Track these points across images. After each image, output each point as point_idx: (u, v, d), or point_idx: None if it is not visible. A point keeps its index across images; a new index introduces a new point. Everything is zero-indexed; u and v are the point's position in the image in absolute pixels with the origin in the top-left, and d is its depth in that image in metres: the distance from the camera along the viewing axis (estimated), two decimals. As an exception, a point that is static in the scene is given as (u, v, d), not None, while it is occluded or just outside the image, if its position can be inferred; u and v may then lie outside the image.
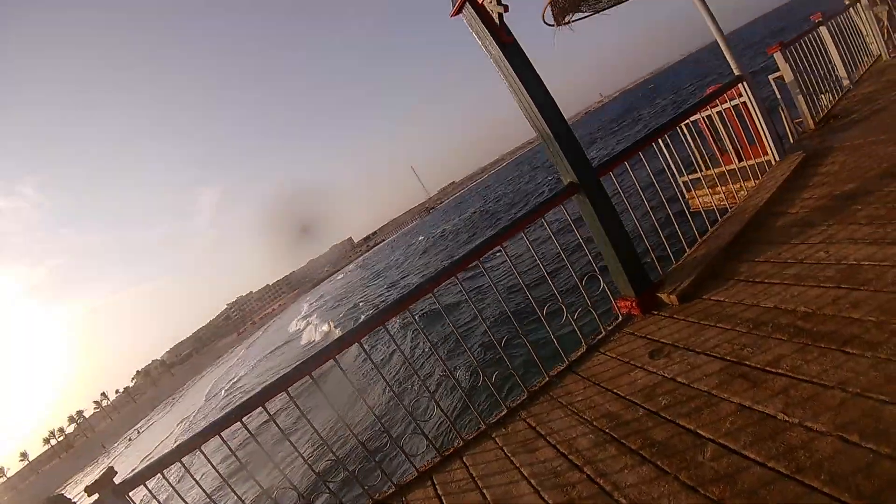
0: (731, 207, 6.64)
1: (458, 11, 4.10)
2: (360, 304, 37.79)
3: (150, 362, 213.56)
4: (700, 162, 8.01)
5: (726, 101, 6.81)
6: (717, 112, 6.92)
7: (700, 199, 7.55)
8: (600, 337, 4.00)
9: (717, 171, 7.09)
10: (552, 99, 4.09)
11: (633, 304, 4.14)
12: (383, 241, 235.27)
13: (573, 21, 7.19)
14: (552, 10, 6.73)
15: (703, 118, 7.45)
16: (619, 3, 7.40)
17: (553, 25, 6.96)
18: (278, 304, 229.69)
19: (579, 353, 3.90)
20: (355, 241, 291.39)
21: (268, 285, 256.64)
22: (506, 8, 3.82)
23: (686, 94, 54.15)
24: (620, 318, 4.20)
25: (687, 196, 7.99)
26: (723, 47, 6.91)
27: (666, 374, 3.00)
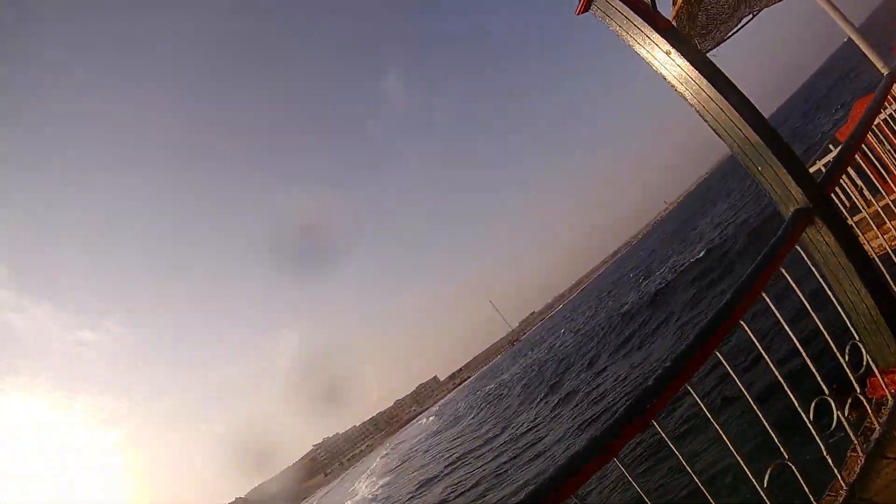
0: None
1: (586, 7, 3.46)
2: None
3: (233, 499, 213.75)
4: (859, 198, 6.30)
5: (882, 112, 6.03)
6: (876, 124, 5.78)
7: (872, 243, 6.33)
8: (876, 435, 2.83)
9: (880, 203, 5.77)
10: (742, 93, 3.20)
11: None
12: (469, 377, 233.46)
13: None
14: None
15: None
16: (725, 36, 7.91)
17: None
18: (366, 444, 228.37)
19: (857, 467, 2.72)
20: (441, 378, 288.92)
21: (354, 426, 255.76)
22: None
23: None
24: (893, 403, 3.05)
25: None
26: (859, 43, 7.21)
27: None
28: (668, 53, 3.14)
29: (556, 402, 26.63)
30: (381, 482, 49.67)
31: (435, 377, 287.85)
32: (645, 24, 3.14)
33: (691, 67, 3.10)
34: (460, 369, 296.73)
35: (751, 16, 7.98)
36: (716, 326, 2.47)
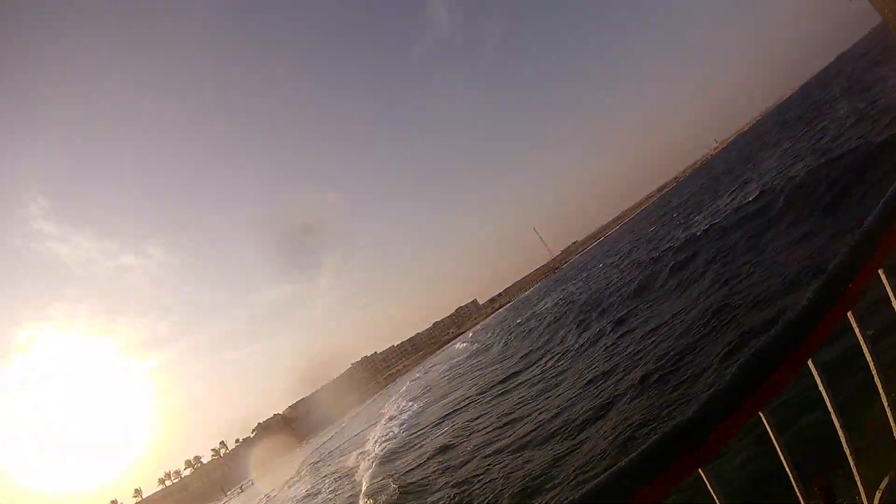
0: None
1: None
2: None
3: (271, 416, 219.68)
4: None
5: None
6: None
7: None
8: None
9: None
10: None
11: None
12: (509, 302, 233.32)
13: None
14: None
15: None
16: None
17: None
18: (402, 364, 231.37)
19: None
20: (480, 302, 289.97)
21: (393, 346, 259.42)
22: None
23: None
24: None
25: None
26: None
27: None
28: None
29: (578, 343, 24.91)
30: (406, 406, 49.32)
31: (475, 300, 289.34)
32: None
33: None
34: (500, 294, 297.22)
35: None
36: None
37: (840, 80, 61.94)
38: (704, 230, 25.22)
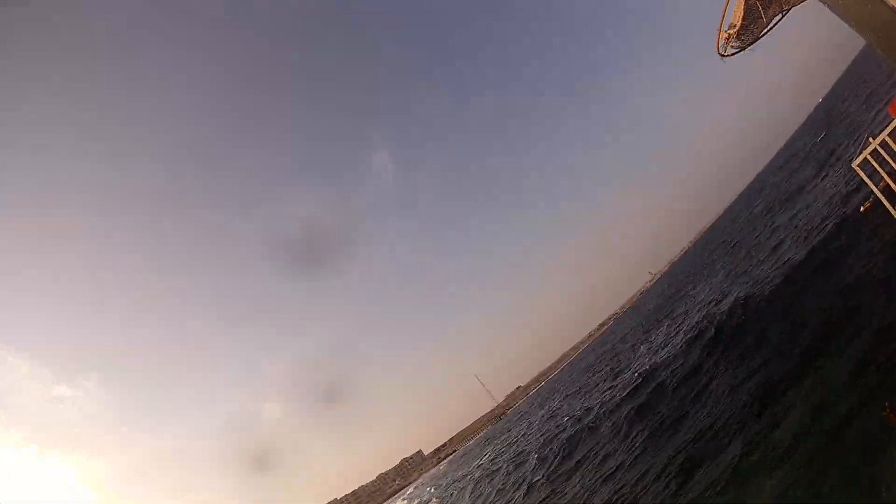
0: None
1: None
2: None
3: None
4: None
5: None
6: None
7: None
8: None
9: None
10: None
11: None
12: (454, 451, 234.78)
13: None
14: (735, 41, 7.60)
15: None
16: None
17: (742, 50, 7.91)
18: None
19: None
20: (425, 453, 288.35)
21: (336, 499, 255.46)
22: None
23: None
24: None
25: None
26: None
27: None
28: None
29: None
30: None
31: (420, 451, 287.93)
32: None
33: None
34: (444, 444, 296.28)
35: (781, 16, 8.25)
36: None
37: (764, 195, 67.64)
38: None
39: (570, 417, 41.56)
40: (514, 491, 30.84)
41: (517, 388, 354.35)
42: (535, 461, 34.13)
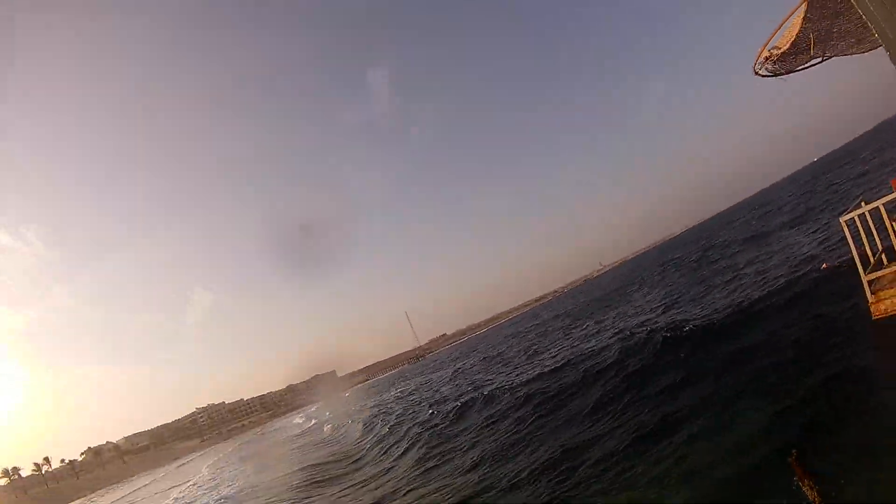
0: None
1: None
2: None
3: (104, 443, 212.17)
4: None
5: None
6: None
7: (891, 301, 6.98)
8: None
9: None
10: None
11: None
12: (368, 380, 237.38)
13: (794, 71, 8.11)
14: (771, 64, 7.60)
15: None
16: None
17: (775, 76, 7.88)
18: (249, 420, 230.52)
19: None
20: (339, 374, 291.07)
21: (242, 399, 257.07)
22: None
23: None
24: None
25: (870, 300, 7.29)
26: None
27: None
28: None
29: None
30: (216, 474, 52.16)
31: (333, 371, 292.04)
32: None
33: None
34: (360, 370, 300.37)
35: (820, 59, 8.47)
36: None
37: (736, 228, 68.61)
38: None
39: (475, 383, 41.71)
40: (400, 438, 30.74)
41: (442, 336, 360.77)
42: (427, 414, 34.19)
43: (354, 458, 31.99)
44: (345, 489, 24.49)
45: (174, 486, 59.51)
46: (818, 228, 33.66)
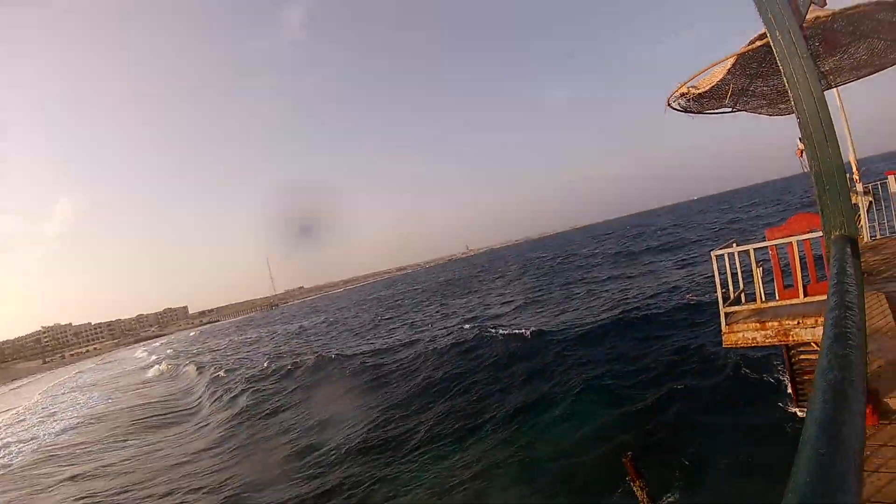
0: (784, 344, 8.78)
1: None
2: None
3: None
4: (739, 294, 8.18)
5: (806, 233, 7.43)
6: (796, 241, 7.38)
7: (741, 335, 7.56)
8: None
9: (771, 304, 7.71)
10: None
11: (869, 411, 3.71)
12: (219, 321, 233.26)
13: (706, 113, 8.55)
14: (685, 101, 7.88)
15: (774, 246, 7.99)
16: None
17: (685, 111, 8.25)
18: (93, 346, 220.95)
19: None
20: (190, 311, 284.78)
21: (89, 323, 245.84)
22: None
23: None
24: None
25: (724, 331, 7.82)
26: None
27: None
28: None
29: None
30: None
31: (185, 307, 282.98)
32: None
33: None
34: (212, 310, 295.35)
35: (731, 110, 9.08)
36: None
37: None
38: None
39: (313, 345, 43.16)
40: (229, 387, 30.94)
41: (299, 288, 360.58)
42: (259, 367, 34.51)
43: (183, 404, 32.31)
44: (168, 435, 24.44)
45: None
46: (686, 259, 36.44)
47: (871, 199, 10.94)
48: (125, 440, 25.02)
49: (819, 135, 3.58)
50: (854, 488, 1.05)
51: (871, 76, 9.14)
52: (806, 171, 9.83)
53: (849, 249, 3.20)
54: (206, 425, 24.63)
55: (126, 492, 17.36)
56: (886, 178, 11.12)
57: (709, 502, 10.08)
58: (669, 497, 10.62)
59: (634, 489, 9.76)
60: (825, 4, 3.83)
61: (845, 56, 8.15)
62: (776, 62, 7.17)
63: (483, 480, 12.72)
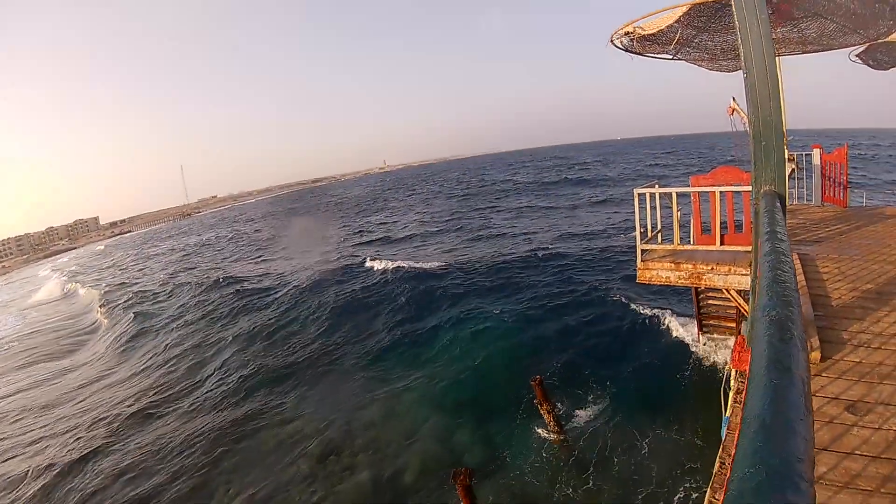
0: (696, 287, 9.87)
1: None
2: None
3: None
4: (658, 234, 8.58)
5: (737, 185, 7.61)
6: (720, 192, 7.55)
7: (655, 273, 7.83)
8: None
9: (687, 247, 7.95)
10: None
11: None
12: (130, 231, 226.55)
13: (647, 56, 8.60)
14: (628, 40, 7.86)
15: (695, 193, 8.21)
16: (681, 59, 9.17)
17: (626, 51, 8.21)
18: (2, 264, 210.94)
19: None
20: (101, 222, 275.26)
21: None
22: None
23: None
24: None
25: (639, 267, 8.02)
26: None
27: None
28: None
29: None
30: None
31: (96, 218, 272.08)
32: None
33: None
34: (124, 220, 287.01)
35: (671, 57, 9.12)
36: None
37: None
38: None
39: (208, 264, 42.96)
40: (118, 306, 31.16)
41: (213, 197, 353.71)
42: (164, 297, 32.59)
43: (77, 331, 31.13)
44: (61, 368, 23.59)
45: None
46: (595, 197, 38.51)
47: (794, 166, 11.58)
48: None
49: (764, 91, 3.83)
50: (808, 414, 1.13)
51: (814, 53, 9.28)
52: (735, 129, 10.78)
53: (778, 204, 3.50)
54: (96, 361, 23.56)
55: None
56: (812, 151, 11.73)
57: (612, 425, 10.61)
58: (570, 420, 11.12)
59: (542, 412, 10.43)
60: (793, -28, 3.63)
61: (794, 30, 8.35)
62: (730, 19, 6.80)
63: (393, 401, 13.16)
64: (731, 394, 4.44)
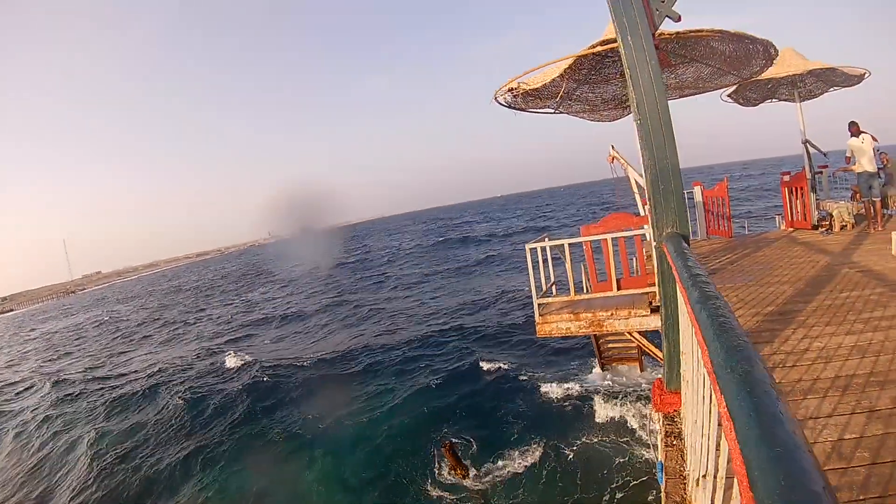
0: (596, 336, 10.65)
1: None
2: None
3: None
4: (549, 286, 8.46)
5: (627, 230, 7.66)
6: (612, 238, 7.55)
7: (555, 326, 7.77)
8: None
9: (584, 297, 8.02)
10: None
11: (679, 400, 4.16)
12: (11, 311, 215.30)
13: (529, 111, 8.65)
14: (511, 97, 7.84)
15: (589, 242, 8.18)
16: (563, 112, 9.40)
17: (510, 107, 8.19)
18: None
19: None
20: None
21: None
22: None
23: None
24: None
25: (538, 321, 7.89)
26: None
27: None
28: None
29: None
30: None
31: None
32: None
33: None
34: (5, 298, 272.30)
35: (553, 111, 9.17)
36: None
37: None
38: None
39: (62, 360, 37.72)
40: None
41: (97, 273, 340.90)
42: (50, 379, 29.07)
43: None
44: None
45: None
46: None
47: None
48: None
49: (658, 137, 3.97)
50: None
51: (690, 97, 9.81)
52: (616, 175, 11.11)
53: (685, 244, 3.55)
54: None
55: None
56: (693, 188, 12.54)
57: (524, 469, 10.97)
58: (480, 479, 11.10)
59: (455, 474, 10.79)
60: (679, 20, 3.95)
61: (672, 76, 8.70)
62: (609, 70, 8.18)
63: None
64: (659, 437, 4.44)
